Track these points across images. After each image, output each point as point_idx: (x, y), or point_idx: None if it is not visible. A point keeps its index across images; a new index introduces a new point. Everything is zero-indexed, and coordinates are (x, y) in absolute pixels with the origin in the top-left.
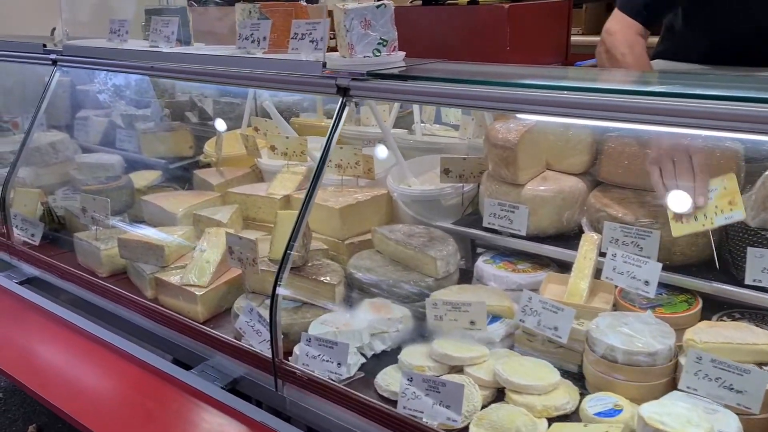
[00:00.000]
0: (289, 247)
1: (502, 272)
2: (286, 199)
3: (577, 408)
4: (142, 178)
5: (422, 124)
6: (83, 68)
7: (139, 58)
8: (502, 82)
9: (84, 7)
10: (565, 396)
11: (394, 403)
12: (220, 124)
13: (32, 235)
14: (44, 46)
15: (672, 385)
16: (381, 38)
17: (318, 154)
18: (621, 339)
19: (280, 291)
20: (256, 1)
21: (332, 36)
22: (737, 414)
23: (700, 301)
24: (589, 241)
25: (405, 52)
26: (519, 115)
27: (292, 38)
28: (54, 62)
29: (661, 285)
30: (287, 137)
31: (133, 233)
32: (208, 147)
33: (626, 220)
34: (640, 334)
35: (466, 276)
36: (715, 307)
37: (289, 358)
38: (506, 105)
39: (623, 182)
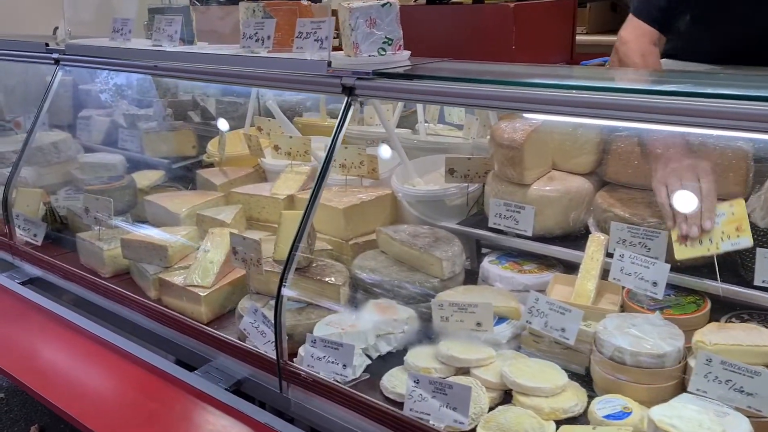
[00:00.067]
0: (294, 247)
1: (508, 273)
2: (289, 199)
3: (585, 410)
4: (144, 178)
5: (426, 124)
6: (86, 67)
7: (143, 57)
8: (511, 81)
9: (86, 7)
10: (573, 398)
11: (400, 405)
12: (222, 124)
13: (34, 235)
14: (47, 45)
15: (680, 388)
16: (386, 37)
17: (321, 154)
18: (629, 341)
19: (285, 292)
20: (260, 0)
21: (335, 35)
22: (748, 417)
23: (709, 302)
24: (596, 241)
25: (410, 51)
26: (527, 115)
27: (297, 37)
28: (56, 61)
29: (669, 286)
30: (291, 137)
31: (136, 233)
32: (211, 147)
33: (633, 221)
34: (649, 336)
35: (470, 277)
36: (723, 309)
37: (294, 359)
38: (515, 104)
39: (630, 182)
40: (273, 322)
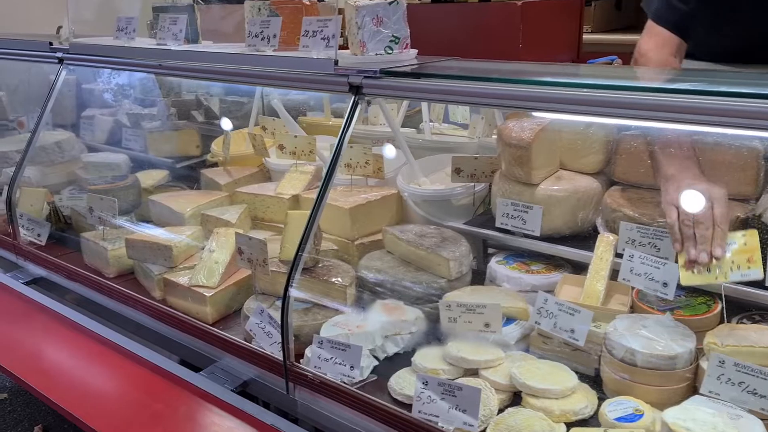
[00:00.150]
0: (300, 248)
1: (516, 273)
2: (294, 199)
3: (596, 412)
4: (148, 178)
5: (431, 123)
6: (90, 66)
7: (147, 56)
8: (521, 80)
9: (89, 6)
10: (583, 400)
11: (407, 406)
12: (226, 123)
13: (38, 235)
14: (51, 44)
15: (691, 390)
16: (393, 35)
17: (325, 154)
18: (640, 342)
19: (293, 292)
20: None
21: (341, 34)
22: (761, 419)
23: (720, 302)
24: (605, 242)
25: (417, 50)
26: (536, 113)
27: (303, 35)
28: (60, 60)
29: (679, 286)
30: (296, 136)
31: (140, 233)
32: (215, 146)
33: (643, 221)
34: (660, 337)
35: (477, 277)
36: (734, 309)
37: (300, 360)
38: (526, 103)
39: (639, 182)
40: (279, 323)
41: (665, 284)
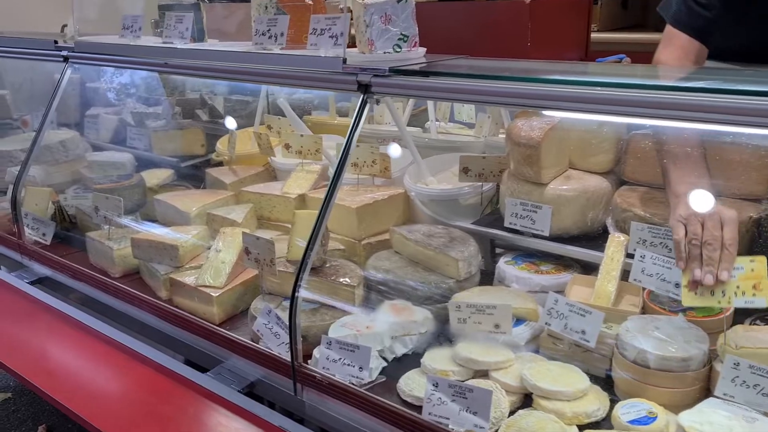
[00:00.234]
0: (308, 247)
1: (525, 273)
2: (301, 199)
3: (608, 415)
4: (154, 177)
5: (437, 123)
6: (95, 65)
7: (153, 54)
8: (532, 78)
9: (94, 4)
10: (595, 402)
11: (417, 408)
12: (231, 122)
13: (43, 235)
14: (56, 42)
15: (705, 392)
16: (402, 34)
17: (331, 153)
18: (653, 343)
19: (301, 293)
20: None
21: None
22: None
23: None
24: (615, 242)
25: (426, 48)
26: (547, 112)
27: (311, 34)
28: (65, 59)
29: None
30: (302, 135)
31: (146, 233)
32: (221, 145)
33: (654, 221)
34: (673, 339)
35: (485, 277)
36: (747, 310)
37: (308, 361)
38: (536, 102)
39: (649, 181)
40: (288, 323)
41: (677, 285)
